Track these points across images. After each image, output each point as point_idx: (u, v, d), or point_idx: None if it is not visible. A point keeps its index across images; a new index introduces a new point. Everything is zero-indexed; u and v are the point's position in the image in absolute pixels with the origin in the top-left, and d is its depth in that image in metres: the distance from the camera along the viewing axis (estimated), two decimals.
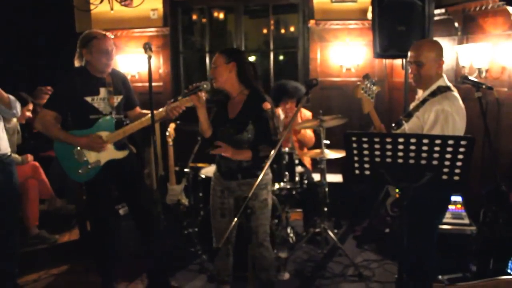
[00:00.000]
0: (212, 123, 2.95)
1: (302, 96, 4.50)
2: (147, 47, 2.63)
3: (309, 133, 4.54)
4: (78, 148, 3.13)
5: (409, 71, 2.76)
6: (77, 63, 3.16)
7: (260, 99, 2.85)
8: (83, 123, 3.12)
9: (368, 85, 2.68)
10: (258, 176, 2.86)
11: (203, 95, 2.82)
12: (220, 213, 3.03)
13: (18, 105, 3.17)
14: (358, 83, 2.68)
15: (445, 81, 2.69)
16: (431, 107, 2.59)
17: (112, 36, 3.15)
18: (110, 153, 3.19)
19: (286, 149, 4.05)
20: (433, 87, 2.68)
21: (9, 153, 3.27)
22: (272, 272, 3.13)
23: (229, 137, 2.86)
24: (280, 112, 4.57)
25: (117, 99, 3.21)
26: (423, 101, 2.68)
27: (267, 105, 2.82)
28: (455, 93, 2.66)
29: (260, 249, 3.02)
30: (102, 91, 3.15)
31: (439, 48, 2.70)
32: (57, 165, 4.38)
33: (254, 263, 3.12)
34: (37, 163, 4.29)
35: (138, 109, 3.43)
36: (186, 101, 2.97)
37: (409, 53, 2.74)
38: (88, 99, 3.10)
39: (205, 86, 2.77)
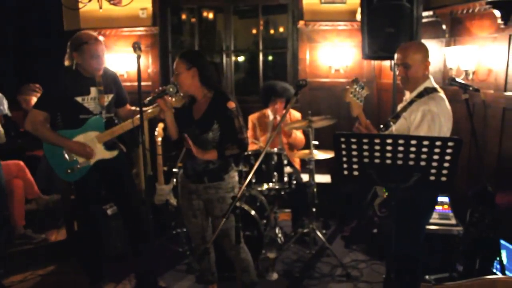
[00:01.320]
0: (178, 125, 2.92)
1: (291, 96, 4.51)
2: (136, 47, 2.61)
3: (299, 136, 4.55)
4: None
5: (397, 73, 2.79)
6: (67, 63, 3.13)
7: (224, 99, 2.87)
8: (73, 123, 3.10)
9: (357, 89, 2.70)
10: (224, 179, 2.91)
11: (169, 99, 2.82)
12: (192, 214, 3.04)
13: (5, 103, 3.14)
14: (347, 87, 2.70)
15: (431, 82, 2.73)
16: (418, 108, 2.62)
17: (103, 38, 3.13)
18: (100, 153, 3.17)
19: (275, 149, 4.06)
20: (420, 88, 2.71)
21: None
22: (252, 272, 3.13)
23: (194, 137, 2.83)
24: (269, 112, 4.60)
25: (107, 98, 3.20)
26: (410, 102, 2.72)
27: (232, 104, 2.85)
28: (442, 94, 2.69)
29: (234, 250, 3.03)
30: (93, 91, 3.13)
31: (425, 50, 2.74)
32: (44, 164, 4.37)
33: (236, 265, 3.13)
34: (22, 163, 4.24)
35: (128, 106, 3.42)
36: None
37: (395, 55, 2.77)
38: (79, 99, 3.08)
39: (171, 89, 2.75)
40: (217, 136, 2.86)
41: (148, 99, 2.76)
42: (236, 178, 3.04)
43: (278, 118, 4.58)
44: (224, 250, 3.08)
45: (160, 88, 2.79)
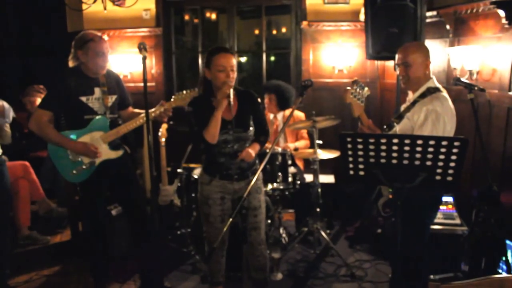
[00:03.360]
0: None
1: (282, 93, 4.51)
2: (141, 47, 2.61)
3: (304, 143, 4.58)
4: None
5: (398, 73, 2.80)
6: (71, 63, 3.13)
7: (252, 94, 2.95)
8: (78, 123, 3.10)
9: (358, 89, 2.72)
10: (257, 169, 2.92)
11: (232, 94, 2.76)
12: (221, 219, 2.98)
13: (11, 113, 3.16)
14: (348, 88, 2.71)
15: (434, 82, 2.73)
16: (421, 108, 2.63)
17: (107, 38, 3.14)
18: (105, 153, 3.17)
19: (279, 149, 4.07)
20: (423, 88, 2.72)
21: None
22: (267, 271, 3.17)
23: (236, 137, 2.86)
24: (269, 113, 4.62)
25: (111, 99, 3.20)
26: (413, 103, 2.72)
27: (259, 99, 2.97)
28: (445, 93, 2.70)
29: (261, 246, 3.06)
30: (97, 91, 3.13)
31: (425, 50, 2.75)
32: (48, 165, 4.38)
33: (250, 263, 3.14)
34: (28, 163, 4.26)
35: (131, 108, 3.42)
36: (179, 99, 3.02)
37: (396, 56, 2.78)
38: (83, 99, 3.08)
39: (229, 91, 2.75)
40: (253, 132, 2.92)
41: (219, 103, 2.75)
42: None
43: (278, 118, 4.58)
44: (239, 249, 3.06)
45: (225, 93, 2.73)
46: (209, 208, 2.97)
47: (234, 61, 2.80)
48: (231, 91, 2.73)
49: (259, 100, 2.98)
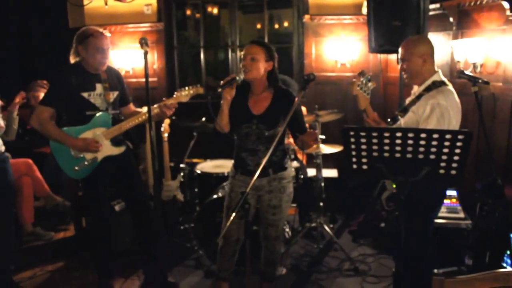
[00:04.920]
0: (234, 119, 2.87)
1: (290, 88, 4.50)
2: (143, 42, 2.60)
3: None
4: None
5: (399, 67, 2.78)
6: (72, 59, 3.12)
7: (291, 95, 2.89)
8: (80, 119, 3.09)
9: (364, 81, 2.68)
10: (286, 169, 2.93)
11: (234, 87, 2.77)
12: (239, 216, 2.98)
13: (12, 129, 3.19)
14: (354, 80, 2.68)
15: (440, 76, 2.71)
16: (426, 102, 2.61)
17: (109, 34, 3.13)
18: (107, 149, 3.16)
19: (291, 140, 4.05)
20: (428, 82, 2.69)
21: (2, 150, 3.24)
22: (277, 267, 3.20)
23: (259, 133, 2.84)
24: None
25: (113, 95, 3.19)
26: (419, 96, 2.70)
27: (297, 100, 2.84)
28: (450, 87, 2.67)
29: (276, 241, 3.06)
30: (98, 87, 3.12)
31: (423, 44, 2.71)
32: (52, 161, 4.39)
33: (263, 256, 3.14)
34: (30, 160, 4.26)
35: (131, 106, 3.41)
36: (181, 95, 3.00)
37: (399, 51, 2.76)
38: (85, 94, 3.08)
39: (237, 78, 2.73)
40: (280, 132, 2.77)
41: (220, 87, 2.72)
42: (293, 168, 3.03)
43: None
44: (267, 240, 3.07)
45: (230, 76, 2.73)
46: (231, 201, 2.99)
47: (259, 51, 2.79)
48: (239, 77, 2.71)
49: (297, 100, 2.87)
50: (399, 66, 2.78)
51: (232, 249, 3.08)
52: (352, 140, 2.24)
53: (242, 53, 2.83)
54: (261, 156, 2.84)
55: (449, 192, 3.64)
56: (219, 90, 2.70)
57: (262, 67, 2.81)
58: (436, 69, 2.72)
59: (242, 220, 2.92)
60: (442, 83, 2.67)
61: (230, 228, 2.94)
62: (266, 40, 5.79)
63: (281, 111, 2.82)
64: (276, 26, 7.03)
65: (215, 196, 3.70)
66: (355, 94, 2.70)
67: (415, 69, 2.69)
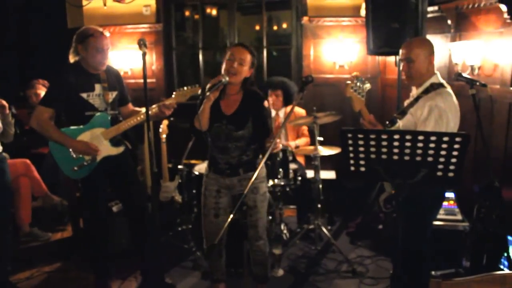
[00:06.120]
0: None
1: (289, 90, 4.53)
2: (141, 43, 2.59)
3: (305, 141, 4.57)
4: None
5: (401, 68, 2.78)
6: (71, 58, 3.12)
7: (260, 98, 2.92)
8: (78, 119, 3.09)
9: (358, 84, 2.70)
10: (257, 169, 2.92)
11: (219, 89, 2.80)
12: (214, 213, 3.02)
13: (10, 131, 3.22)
14: (348, 82, 2.70)
15: (438, 78, 2.71)
16: (425, 104, 2.61)
17: (109, 34, 3.13)
18: (106, 150, 3.16)
19: (280, 146, 4.05)
20: (426, 84, 2.70)
21: (0, 151, 3.24)
22: (267, 267, 3.16)
23: (227, 133, 2.87)
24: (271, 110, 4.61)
25: (112, 95, 3.19)
26: (417, 99, 2.70)
27: (266, 103, 2.92)
28: (449, 89, 2.68)
29: (259, 242, 3.05)
30: (97, 87, 3.12)
31: (429, 45, 2.73)
32: (50, 161, 4.38)
33: (250, 258, 3.14)
34: (28, 161, 4.25)
35: (130, 106, 3.41)
36: (180, 95, 3.01)
37: (400, 51, 2.76)
38: (84, 95, 3.08)
39: (223, 81, 2.75)
40: (250, 133, 2.88)
41: (208, 87, 2.73)
42: (265, 168, 3.06)
43: (280, 114, 4.57)
44: (239, 245, 3.08)
45: (216, 79, 2.74)
46: (205, 199, 3.04)
47: (247, 56, 2.81)
48: (225, 79, 2.73)
49: (266, 104, 2.92)
50: (401, 67, 2.78)
51: (218, 249, 3.09)
52: (350, 142, 2.25)
53: (229, 54, 2.82)
54: (231, 155, 2.90)
55: (447, 194, 3.65)
56: (207, 93, 2.71)
57: (246, 72, 2.84)
58: (434, 71, 2.73)
59: (218, 218, 2.99)
60: (441, 85, 2.68)
61: (209, 224, 3.02)
62: (264, 41, 5.80)
63: (250, 112, 2.88)
64: (275, 27, 7.04)
65: None
66: (349, 96, 2.73)
67: (419, 70, 2.69)
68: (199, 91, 3.10)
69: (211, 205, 3.01)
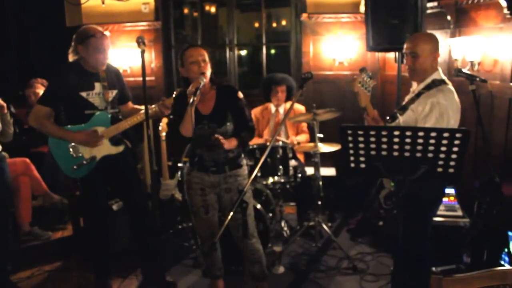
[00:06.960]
0: None
1: (292, 85, 4.54)
2: (140, 41, 2.58)
3: (305, 137, 4.57)
4: (73, 143, 3.10)
5: (405, 62, 2.76)
6: (71, 57, 3.12)
7: (233, 90, 2.94)
8: (78, 118, 3.09)
9: (365, 78, 2.67)
10: (241, 166, 2.96)
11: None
12: (204, 210, 3.02)
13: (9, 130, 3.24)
14: (355, 76, 2.67)
15: (440, 74, 2.70)
16: (426, 100, 2.59)
17: (109, 34, 3.12)
18: (105, 149, 3.16)
19: (280, 143, 4.05)
20: (428, 80, 2.68)
21: None
22: (264, 264, 3.14)
23: (210, 132, 2.83)
24: (271, 106, 4.61)
25: (112, 94, 3.18)
26: (418, 94, 2.69)
27: (241, 94, 2.92)
28: (450, 86, 2.66)
29: (252, 240, 3.04)
30: (97, 86, 3.12)
31: (435, 41, 2.70)
32: (49, 160, 4.37)
33: (245, 258, 3.13)
34: (28, 160, 4.24)
35: (130, 104, 3.40)
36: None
37: (405, 45, 2.74)
38: (84, 94, 3.07)
39: (202, 83, 2.70)
40: (232, 127, 2.88)
41: (192, 93, 2.65)
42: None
43: (280, 111, 4.57)
44: (236, 241, 3.07)
45: (195, 83, 2.68)
46: (191, 198, 3.04)
47: (205, 53, 2.80)
48: (203, 81, 2.70)
49: (240, 95, 2.92)
50: (405, 61, 2.75)
51: (211, 245, 3.07)
52: (350, 138, 2.24)
53: (189, 58, 2.77)
54: (218, 151, 2.88)
55: (447, 190, 3.64)
56: (191, 99, 2.61)
57: (209, 67, 2.83)
58: (437, 67, 2.71)
59: (208, 215, 3.00)
60: (442, 82, 2.66)
61: (200, 222, 3.04)
62: (264, 39, 5.79)
63: (227, 107, 2.88)
64: (274, 24, 7.04)
65: None
66: (356, 91, 2.69)
67: (423, 66, 2.66)
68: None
69: (199, 203, 3.01)
